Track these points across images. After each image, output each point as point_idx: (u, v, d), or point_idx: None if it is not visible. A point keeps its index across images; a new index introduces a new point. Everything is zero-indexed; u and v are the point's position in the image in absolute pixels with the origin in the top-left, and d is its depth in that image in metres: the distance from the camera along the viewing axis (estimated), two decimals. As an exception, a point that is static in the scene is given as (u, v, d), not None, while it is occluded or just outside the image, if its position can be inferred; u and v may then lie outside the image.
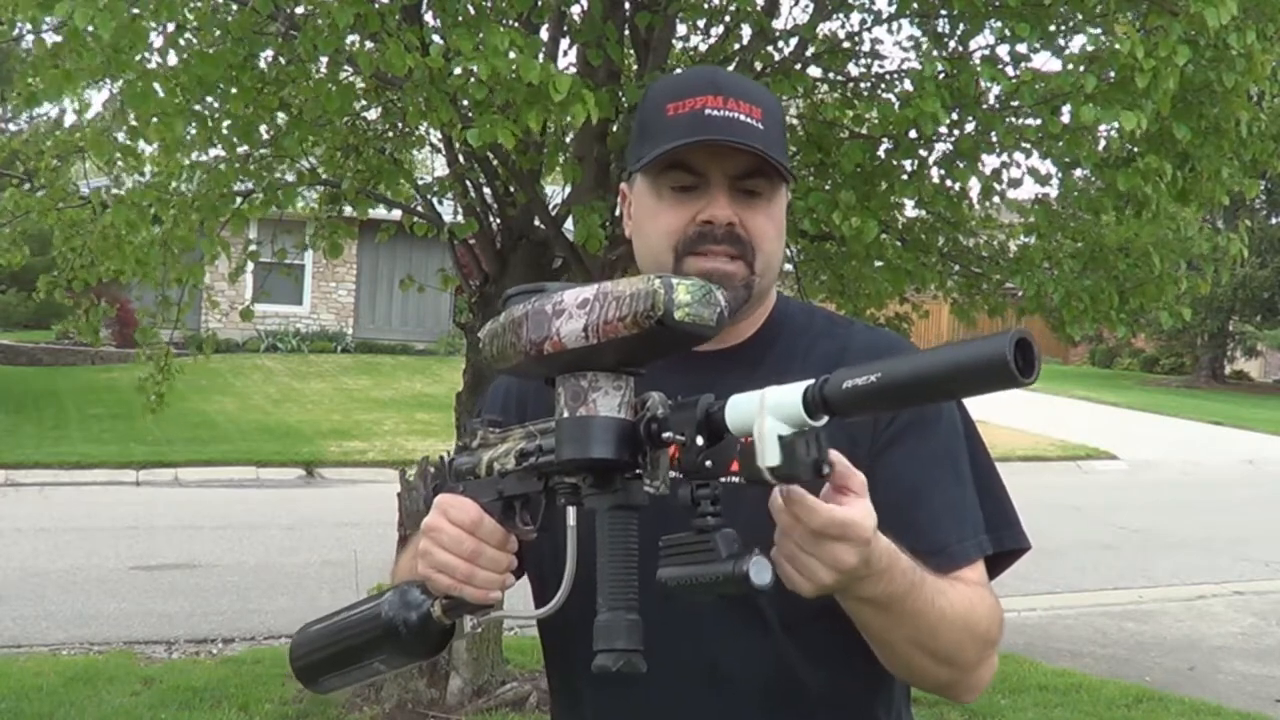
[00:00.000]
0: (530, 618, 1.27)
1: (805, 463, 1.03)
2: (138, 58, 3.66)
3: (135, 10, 3.43)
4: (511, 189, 4.72)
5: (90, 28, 3.16)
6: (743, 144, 1.34)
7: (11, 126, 19.10)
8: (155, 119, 3.77)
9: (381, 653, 1.30)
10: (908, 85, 4.50)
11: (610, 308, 1.10)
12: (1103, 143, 4.45)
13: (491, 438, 1.29)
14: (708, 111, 1.35)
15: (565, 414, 1.14)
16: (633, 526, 1.12)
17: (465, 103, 3.68)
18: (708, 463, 1.08)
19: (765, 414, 1.03)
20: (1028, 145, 4.47)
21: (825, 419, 1.03)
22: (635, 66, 4.61)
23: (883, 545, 1.18)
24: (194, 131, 4.05)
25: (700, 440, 1.08)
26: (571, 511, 1.16)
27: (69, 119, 6.78)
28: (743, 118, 1.36)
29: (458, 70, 3.35)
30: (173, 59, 4.02)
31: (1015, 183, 5.10)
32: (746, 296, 1.40)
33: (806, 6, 4.81)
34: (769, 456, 1.03)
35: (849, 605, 1.24)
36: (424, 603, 1.26)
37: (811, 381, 1.03)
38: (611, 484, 1.12)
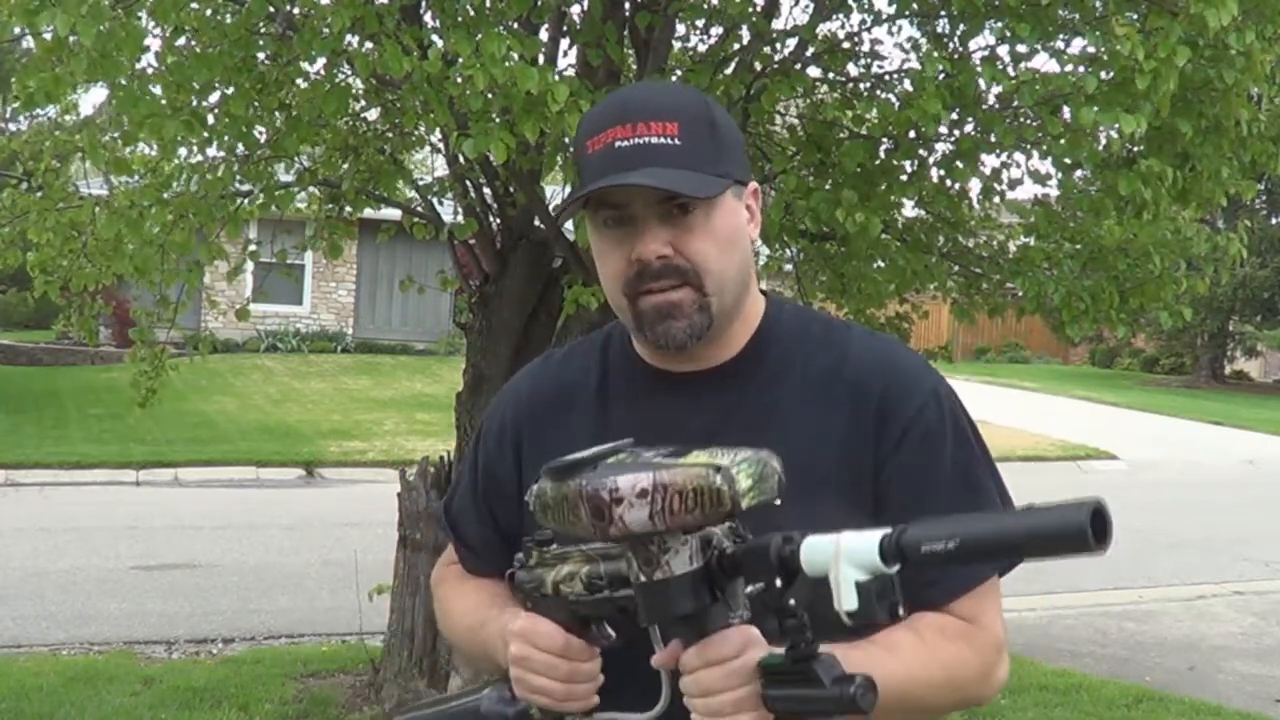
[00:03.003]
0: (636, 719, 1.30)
1: (881, 607, 1.06)
2: (132, 61, 3.65)
3: (120, 14, 3.42)
4: (511, 189, 4.72)
5: (72, 35, 3.16)
6: (637, 185, 1.31)
7: (12, 126, 19.11)
8: (151, 118, 3.77)
9: None
10: (908, 85, 4.50)
11: (674, 501, 1.11)
12: (1103, 142, 4.45)
13: (548, 557, 1.31)
14: (617, 144, 1.33)
15: (642, 578, 1.17)
16: None
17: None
18: (791, 601, 1.11)
19: (841, 561, 1.07)
20: (1028, 145, 4.47)
21: (899, 566, 1.06)
22: (635, 66, 4.61)
23: None
24: (186, 132, 4.04)
25: (779, 582, 1.12)
26: (655, 629, 1.22)
27: (68, 119, 6.77)
28: (654, 140, 1.32)
29: (458, 78, 3.35)
30: (169, 60, 4.02)
31: (1015, 183, 5.11)
32: (708, 321, 1.37)
33: (806, 7, 4.81)
34: (847, 602, 1.06)
35: None
36: (521, 703, 1.31)
37: (888, 531, 1.05)
38: (693, 619, 1.17)
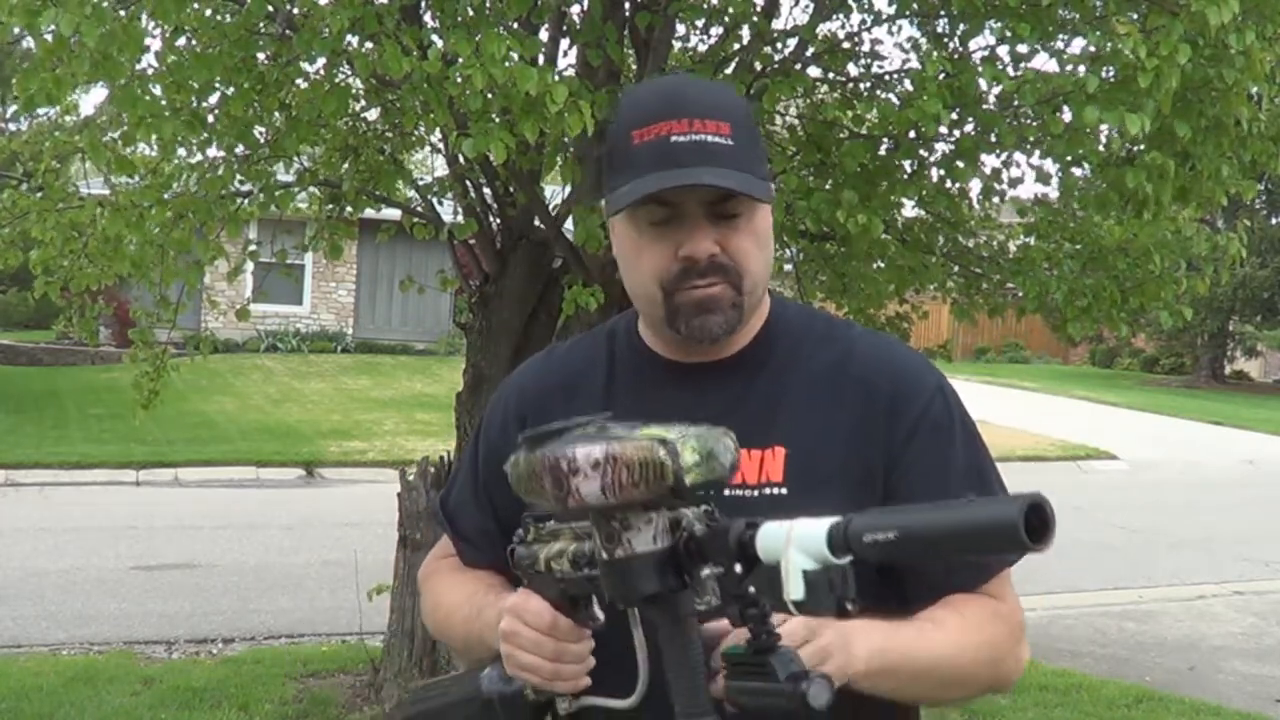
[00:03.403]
0: (617, 705, 1.29)
1: (828, 598, 1.04)
2: (132, 61, 3.65)
3: (123, 12, 3.43)
4: (511, 189, 4.72)
5: (75, 35, 3.16)
6: (711, 185, 1.31)
7: (12, 126, 19.12)
8: (148, 119, 3.77)
9: None
10: (908, 85, 4.50)
11: (622, 474, 1.09)
12: (1103, 142, 4.45)
13: (544, 533, 1.31)
14: (673, 139, 1.31)
15: (604, 556, 1.15)
16: (692, 633, 1.15)
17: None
18: (751, 588, 1.09)
19: (791, 548, 1.05)
20: (1028, 145, 4.47)
21: (849, 558, 1.04)
22: (635, 66, 4.61)
23: (871, 647, 1.22)
24: (186, 132, 4.04)
25: (738, 568, 1.10)
26: (634, 612, 1.21)
27: (68, 120, 6.78)
28: (710, 139, 1.31)
29: (458, 78, 3.35)
30: (169, 60, 4.02)
31: (1016, 181, 5.11)
32: (739, 317, 1.39)
33: (806, 7, 4.81)
34: (793, 590, 1.04)
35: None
36: (518, 681, 1.30)
37: (837, 520, 1.04)
38: (663, 602, 1.15)
